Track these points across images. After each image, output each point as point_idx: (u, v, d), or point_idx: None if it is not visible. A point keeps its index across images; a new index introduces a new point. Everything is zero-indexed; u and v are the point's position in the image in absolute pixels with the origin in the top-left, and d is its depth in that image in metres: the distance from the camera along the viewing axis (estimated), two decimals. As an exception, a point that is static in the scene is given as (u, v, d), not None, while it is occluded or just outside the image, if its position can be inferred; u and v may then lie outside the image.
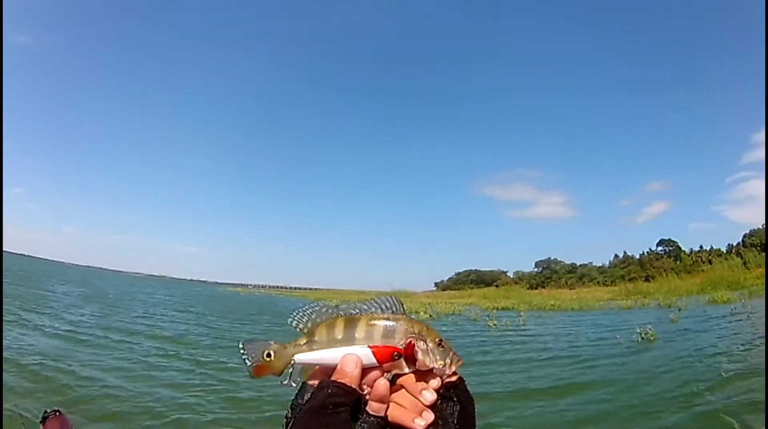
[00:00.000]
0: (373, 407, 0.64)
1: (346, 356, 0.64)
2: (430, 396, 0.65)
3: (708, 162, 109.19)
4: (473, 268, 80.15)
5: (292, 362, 0.68)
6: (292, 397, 0.69)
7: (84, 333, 9.97)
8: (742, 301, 15.59)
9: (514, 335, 13.64)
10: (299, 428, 0.61)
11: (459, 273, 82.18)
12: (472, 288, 62.67)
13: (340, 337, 0.67)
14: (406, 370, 0.67)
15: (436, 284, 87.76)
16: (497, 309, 27.42)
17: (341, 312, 0.70)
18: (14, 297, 14.87)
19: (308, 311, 0.71)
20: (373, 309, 0.69)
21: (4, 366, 6.00)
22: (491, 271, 74.02)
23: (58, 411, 1.74)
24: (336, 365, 0.65)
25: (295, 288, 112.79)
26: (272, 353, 0.70)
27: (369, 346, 0.65)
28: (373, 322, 0.68)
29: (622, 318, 17.17)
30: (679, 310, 16.67)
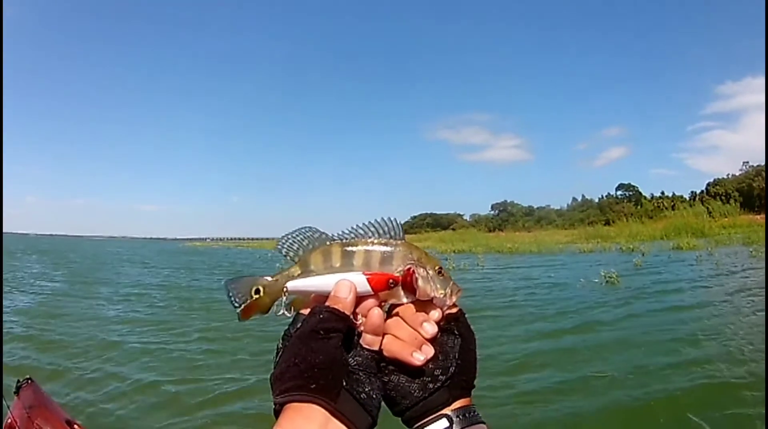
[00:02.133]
0: (367, 339, 0.59)
1: (340, 282, 0.59)
2: (430, 328, 0.60)
3: (669, 110, 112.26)
4: (429, 212, 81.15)
5: (285, 290, 0.62)
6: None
7: (52, 302, 9.71)
8: (709, 249, 15.14)
9: (473, 279, 12.91)
10: (289, 355, 0.55)
11: (415, 217, 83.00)
12: (428, 232, 62.61)
13: (336, 265, 0.62)
14: (404, 300, 0.62)
15: None
16: (454, 252, 26.85)
17: (336, 238, 0.63)
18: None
19: (299, 237, 0.64)
20: (371, 234, 0.63)
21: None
22: (447, 214, 75.15)
23: (30, 379, 1.72)
24: (330, 293, 0.60)
25: (253, 238, 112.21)
26: (261, 288, 0.64)
27: (364, 273, 0.60)
28: (370, 248, 0.62)
29: (584, 261, 16.80)
30: (643, 254, 16.27)
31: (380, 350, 0.60)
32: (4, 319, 7.18)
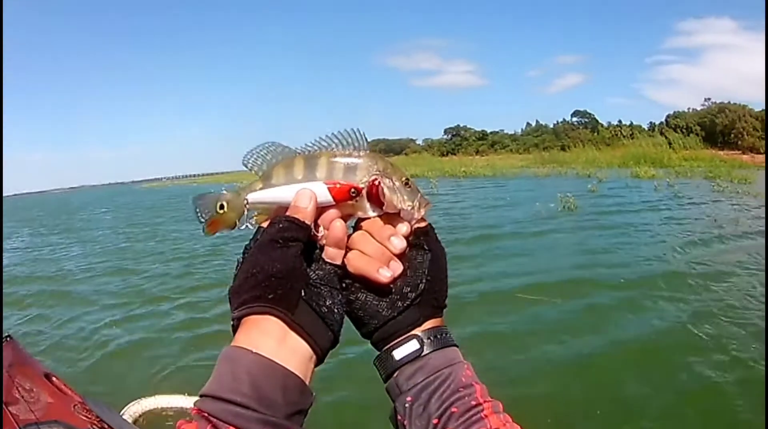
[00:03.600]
0: (329, 253, 0.56)
1: (300, 191, 0.56)
2: (398, 243, 0.56)
3: (627, 42, 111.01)
4: (381, 138, 79.19)
5: (246, 202, 0.60)
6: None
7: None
8: (668, 179, 14.70)
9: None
10: (247, 265, 0.52)
11: (367, 142, 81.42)
12: None
13: (299, 177, 0.59)
14: (371, 213, 0.58)
15: None
16: None
17: (299, 151, 0.60)
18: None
19: (262, 152, 0.61)
20: (333, 145, 0.60)
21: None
22: (400, 139, 72.60)
23: (9, 336, 1.66)
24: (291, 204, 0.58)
25: (209, 173, 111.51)
26: (225, 204, 0.62)
27: (325, 182, 0.57)
28: (333, 159, 0.59)
29: (539, 185, 16.48)
30: (600, 181, 15.93)
31: (344, 265, 0.56)
32: None
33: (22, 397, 1.44)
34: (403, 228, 0.57)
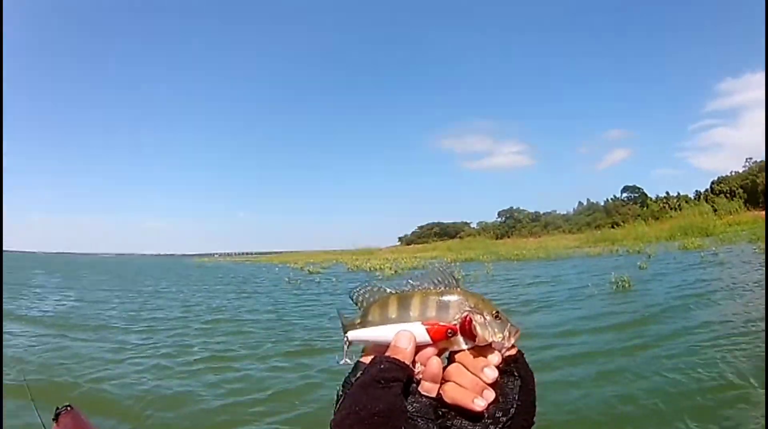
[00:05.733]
0: (425, 387, 0.61)
1: (400, 333, 0.61)
2: (491, 373, 0.61)
3: (669, 110, 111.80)
4: (436, 221, 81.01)
5: (346, 340, 0.66)
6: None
7: (74, 323, 9.29)
8: (714, 247, 15.26)
9: (482, 289, 13.04)
10: (349, 402, 0.57)
11: (422, 226, 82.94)
12: (436, 241, 62.82)
13: (393, 316, 0.64)
14: (464, 346, 0.63)
15: (399, 239, 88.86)
16: (463, 261, 27.12)
17: (394, 289, 0.67)
18: None
19: (363, 291, 0.69)
20: (426, 283, 0.66)
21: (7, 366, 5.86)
22: (454, 223, 74.88)
23: (70, 406, 1.67)
24: (389, 343, 0.62)
25: (260, 253, 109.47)
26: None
27: (423, 323, 0.62)
28: (426, 297, 0.64)
29: (593, 265, 16.93)
30: (649, 256, 16.40)
31: (438, 396, 0.61)
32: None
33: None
34: (495, 358, 0.62)
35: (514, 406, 0.61)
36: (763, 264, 11.37)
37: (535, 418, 0.63)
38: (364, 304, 0.68)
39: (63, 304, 12.11)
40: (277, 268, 33.78)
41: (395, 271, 22.49)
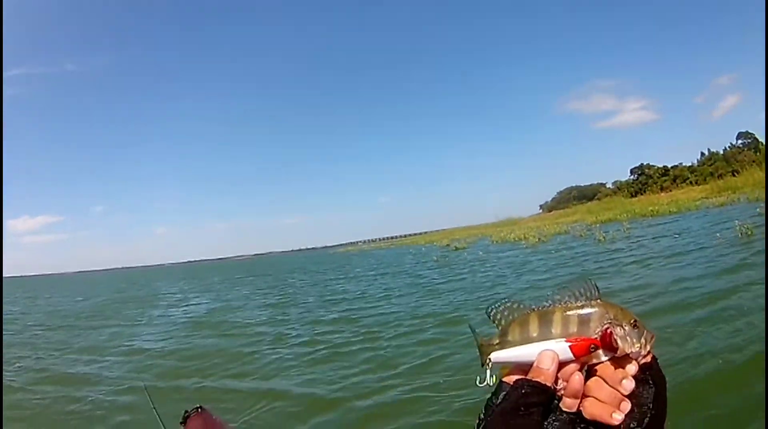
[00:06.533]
0: (567, 403, 0.61)
1: (543, 353, 0.62)
2: (629, 385, 0.60)
3: None
4: (573, 185, 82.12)
5: (488, 361, 0.67)
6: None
7: (206, 324, 10.24)
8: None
9: (624, 248, 14.07)
10: (493, 428, 0.60)
11: (560, 192, 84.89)
12: (576, 204, 63.28)
13: (534, 334, 0.65)
14: (603, 358, 0.62)
15: (540, 206, 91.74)
16: (602, 222, 28.19)
17: (534, 306, 0.66)
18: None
19: (501, 308, 0.69)
20: (566, 298, 0.65)
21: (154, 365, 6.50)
22: (591, 185, 75.08)
23: (201, 407, 1.69)
24: (532, 362, 0.63)
25: (405, 235, 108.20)
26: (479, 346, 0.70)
27: (566, 340, 0.62)
28: (566, 313, 0.64)
29: (719, 216, 17.42)
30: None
31: (578, 411, 0.60)
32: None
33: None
34: (633, 369, 0.61)
35: (649, 415, 0.61)
36: None
37: (666, 423, 0.62)
38: (503, 322, 0.68)
39: (264, 310, 12.04)
40: (423, 249, 35.73)
41: (539, 239, 23.24)
